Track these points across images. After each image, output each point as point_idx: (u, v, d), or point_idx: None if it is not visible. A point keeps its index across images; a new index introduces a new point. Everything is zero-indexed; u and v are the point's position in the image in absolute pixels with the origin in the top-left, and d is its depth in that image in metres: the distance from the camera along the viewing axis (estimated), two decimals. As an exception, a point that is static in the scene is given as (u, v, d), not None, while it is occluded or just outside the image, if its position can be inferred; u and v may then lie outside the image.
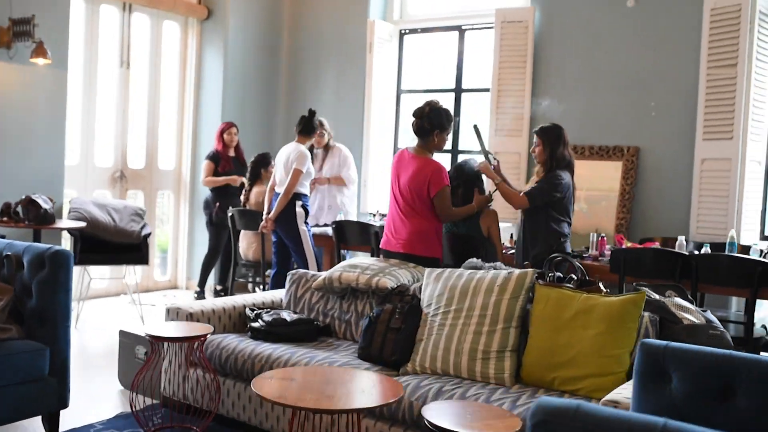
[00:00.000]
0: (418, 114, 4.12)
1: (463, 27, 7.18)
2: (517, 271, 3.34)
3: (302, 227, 5.43)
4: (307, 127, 5.54)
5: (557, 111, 6.37)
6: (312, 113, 5.59)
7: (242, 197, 6.36)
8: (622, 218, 5.94)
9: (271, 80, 7.85)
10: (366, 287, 3.71)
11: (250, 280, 6.47)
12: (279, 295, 4.16)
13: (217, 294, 6.89)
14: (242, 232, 6.22)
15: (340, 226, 5.47)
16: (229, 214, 6.17)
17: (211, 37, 7.36)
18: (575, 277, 3.39)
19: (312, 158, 5.91)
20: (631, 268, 4.28)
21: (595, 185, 6.16)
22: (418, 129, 4.12)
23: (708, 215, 5.66)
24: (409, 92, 7.61)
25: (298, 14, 7.85)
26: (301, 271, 4.10)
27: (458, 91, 7.21)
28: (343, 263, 3.94)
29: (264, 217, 5.57)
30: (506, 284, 3.29)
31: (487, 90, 6.95)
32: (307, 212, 5.49)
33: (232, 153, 6.78)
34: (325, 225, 6.06)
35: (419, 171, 4.05)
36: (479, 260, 3.66)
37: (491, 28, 7.01)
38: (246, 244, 6.21)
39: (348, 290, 3.84)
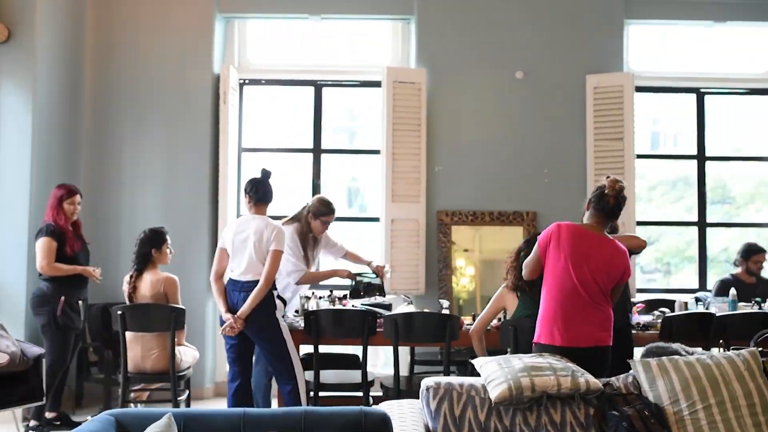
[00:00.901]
0: (620, 190, 3.54)
1: (319, 82, 6.55)
2: (745, 352, 3.15)
3: (283, 323, 4.22)
4: (267, 193, 4.37)
5: (454, 176, 6.24)
6: (267, 174, 4.42)
7: (126, 287, 4.68)
8: (533, 282, 6.03)
9: (74, 128, 6.02)
10: (570, 391, 3.06)
11: (131, 398, 4.72)
12: (416, 421, 3.14)
13: (36, 430, 4.82)
14: (131, 335, 4.56)
15: (316, 317, 4.39)
16: (118, 312, 4.47)
17: (10, 67, 5.33)
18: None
19: (305, 246, 4.72)
20: (679, 334, 4.39)
21: (503, 250, 6.15)
22: (616, 207, 3.56)
23: (605, 274, 6.13)
24: (252, 151, 6.60)
25: (107, 52, 6.20)
26: (444, 381, 3.16)
27: (317, 151, 6.52)
28: (509, 366, 3.18)
29: (225, 315, 4.18)
30: (750, 366, 3.07)
31: (370, 152, 6.47)
32: (285, 303, 4.30)
33: (69, 227, 4.96)
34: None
35: (615, 255, 3.55)
36: (666, 343, 3.35)
37: (355, 86, 6.59)
38: (141, 350, 4.56)
39: (534, 399, 3.12)
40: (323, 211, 4.89)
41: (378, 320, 4.44)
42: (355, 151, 6.64)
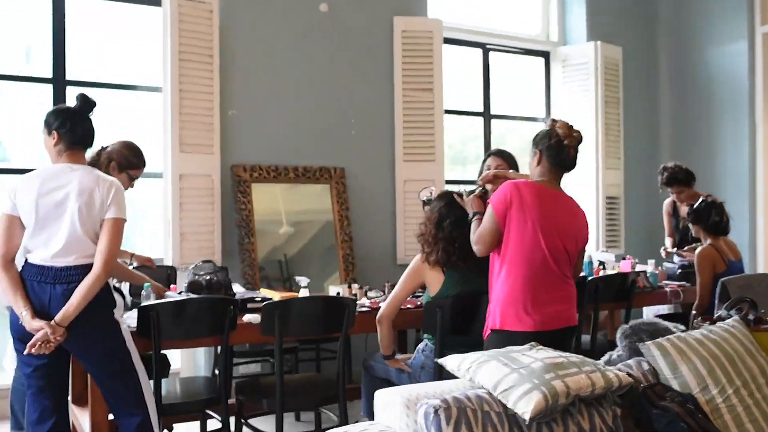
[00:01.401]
0: (579, 139, 2.91)
1: (62, -8, 4.82)
2: (736, 323, 2.90)
3: (125, 326, 2.81)
4: (89, 132, 2.86)
5: (252, 124, 5.12)
6: (89, 104, 2.88)
7: None
8: (346, 243, 5.27)
9: None
10: (603, 390, 2.44)
11: None
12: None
13: None
14: None
15: (156, 312, 3.04)
16: None
17: None
18: (751, 317, 3.10)
19: None
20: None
21: (309, 209, 5.25)
22: (575, 159, 2.92)
23: (413, 237, 5.62)
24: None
25: None
26: (450, 397, 2.27)
27: (60, 83, 4.80)
28: (522, 366, 2.44)
29: (34, 323, 2.61)
30: (750, 339, 2.83)
31: (145, 88, 4.96)
32: (123, 297, 2.88)
33: None
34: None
35: (579, 215, 3.03)
36: (655, 318, 2.95)
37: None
38: None
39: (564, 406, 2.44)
40: (133, 162, 3.53)
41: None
42: (122, 86, 5.03)
